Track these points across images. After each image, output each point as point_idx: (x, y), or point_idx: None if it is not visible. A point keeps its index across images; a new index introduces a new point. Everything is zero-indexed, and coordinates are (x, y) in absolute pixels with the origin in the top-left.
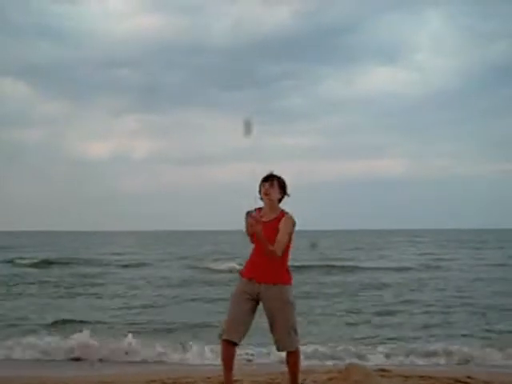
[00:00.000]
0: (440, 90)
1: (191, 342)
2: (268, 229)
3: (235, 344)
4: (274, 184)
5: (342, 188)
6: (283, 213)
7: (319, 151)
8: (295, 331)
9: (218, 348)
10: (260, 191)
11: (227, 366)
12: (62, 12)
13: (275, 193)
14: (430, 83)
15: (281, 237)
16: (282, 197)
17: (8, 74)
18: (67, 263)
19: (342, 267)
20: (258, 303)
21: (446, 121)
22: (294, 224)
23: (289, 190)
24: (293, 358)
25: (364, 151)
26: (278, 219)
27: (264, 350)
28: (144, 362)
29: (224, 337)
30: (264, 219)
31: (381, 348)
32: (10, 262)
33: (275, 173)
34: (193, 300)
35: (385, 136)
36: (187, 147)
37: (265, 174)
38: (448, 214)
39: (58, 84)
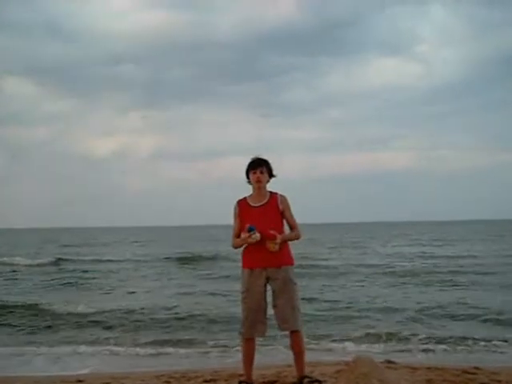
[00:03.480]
0: (444, 81)
1: None
2: (267, 212)
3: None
4: (263, 170)
5: (345, 181)
6: (274, 194)
7: (323, 144)
8: (298, 310)
9: None
10: (248, 176)
11: (249, 361)
12: (68, 11)
13: (265, 178)
14: (434, 74)
15: (293, 220)
16: (270, 178)
17: (15, 72)
18: None
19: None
20: (266, 287)
21: (450, 112)
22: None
23: (275, 171)
24: (296, 339)
25: (368, 144)
26: (273, 200)
27: (270, 344)
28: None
29: (246, 336)
30: (257, 204)
31: (385, 340)
32: None
33: (261, 156)
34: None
35: (389, 128)
36: (194, 143)
37: (251, 159)
38: (454, 206)
39: (64, 82)
